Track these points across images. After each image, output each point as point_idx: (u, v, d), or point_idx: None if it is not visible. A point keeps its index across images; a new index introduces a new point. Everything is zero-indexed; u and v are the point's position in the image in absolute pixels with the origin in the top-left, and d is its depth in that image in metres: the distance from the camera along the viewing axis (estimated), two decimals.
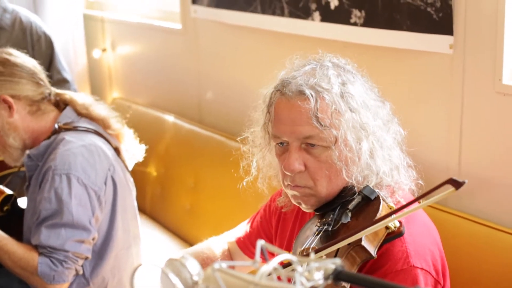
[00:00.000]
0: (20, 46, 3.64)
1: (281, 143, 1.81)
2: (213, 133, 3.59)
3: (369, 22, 2.65)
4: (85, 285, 2.65)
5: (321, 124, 1.72)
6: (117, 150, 2.76)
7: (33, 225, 2.54)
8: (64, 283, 2.52)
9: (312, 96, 1.72)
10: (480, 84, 2.32)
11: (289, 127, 1.77)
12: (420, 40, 2.47)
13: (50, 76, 3.70)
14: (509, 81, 2.24)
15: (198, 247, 2.27)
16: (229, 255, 2.29)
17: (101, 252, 2.66)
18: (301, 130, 1.74)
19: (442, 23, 2.37)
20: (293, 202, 1.87)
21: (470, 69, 2.34)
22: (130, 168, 2.89)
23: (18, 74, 2.62)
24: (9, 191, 2.86)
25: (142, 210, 3.66)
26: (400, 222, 1.66)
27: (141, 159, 2.92)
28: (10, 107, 2.59)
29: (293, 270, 1.01)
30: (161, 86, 4.30)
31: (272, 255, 1.86)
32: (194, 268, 1.07)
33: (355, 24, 2.70)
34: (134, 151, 2.88)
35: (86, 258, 2.58)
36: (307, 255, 1.62)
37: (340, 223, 1.70)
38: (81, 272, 2.59)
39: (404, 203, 1.75)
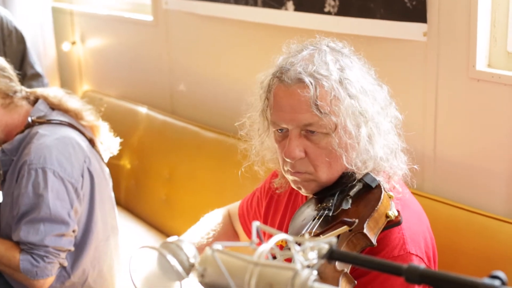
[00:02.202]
0: None
1: (280, 129, 1.82)
2: (186, 123, 3.60)
3: (343, 10, 2.67)
4: (66, 278, 2.65)
5: (320, 112, 1.73)
6: (91, 142, 2.75)
7: (12, 222, 2.53)
8: (48, 277, 2.52)
9: (311, 84, 1.72)
10: (454, 70, 2.36)
11: (289, 114, 1.77)
12: (394, 28, 2.50)
13: (23, 72, 3.69)
14: (482, 67, 2.28)
15: (203, 224, 2.28)
16: (231, 225, 2.32)
17: (81, 244, 2.66)
18: (301, 117, 1.75)
19: (415, 11, 2.41)
20: (293, 186, 1.89)
21: (444, 56, 2.38)
22: (106, 160, 2.88)
23: None
24: None
25: (117, 202, 3.64)
26: (398, 211, 1.69)
27: (116, 152, 2.91)
28: None
29: (289, 249, 1.03)
30: (133, 78, 4.29)
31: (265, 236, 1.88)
32: (190, 251, 1.09)
33: (329, 13, 2.73)
34: (109, 143, 2.87)
35: (69, 251, 2.58)
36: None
37: (340, 208, 1.72)
38: (65, 264, 2.59)
39: (399, 188, 1.81)
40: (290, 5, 2.92)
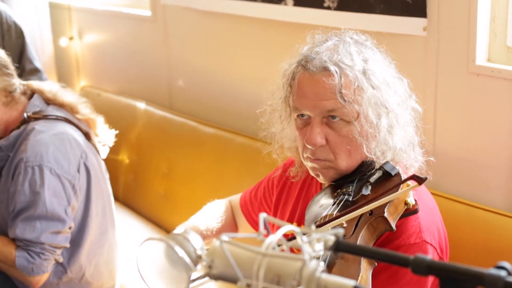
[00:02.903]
0: None
1: (302, 115, 1.85)
2: (185, 119, 3.60)
3: (343, 5, 2.68)
4: (63, 273, 2.65)
5: (344, 100, 1.76)
6: (87, 135, 2.75)
7: (9, 218, 2.53)
8: (44, 274, 2.53)
9: (336, 72, 1.76)
10: (454, 65, 2.37)
11: (313, 101, 1.80)
12: (393, 23, 2.51)
13: (22, 66, 3.68)
14: (482, 62, 2.29)
15: (204, 215, 2.28)
16: (232, 216, 2.33)
17: (77, 240, 2.66)
18: (325, 104, 1.78)
19: (415, 6, 2.41)
20: (311, 173, 1.91)
21: (444, 51, 2.39)
22: (104, 156, 2.88)
23: None
24: None
25: (115, 197, 3.64)
26: (415, 200, 1.71)
27: (111, 144, 2.90)
28: None
29: (295, 239, 1.04)
30: (131, 74, 4.29)
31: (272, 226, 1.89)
32: (197, 242, 1.09)
33: (328, 8, 2.73)
34: (104, 136, 2.87)
35: (64, 247, 2.58)
36: (330, 221, 1.66)
37: (360, 194, 1.75)
38: (60, 261, 2.59)
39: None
40: (289, 0, 2.92)
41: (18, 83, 2.67)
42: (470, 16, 2.27)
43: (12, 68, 2.67)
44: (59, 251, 2.55)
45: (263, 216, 1.06)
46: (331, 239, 1.07)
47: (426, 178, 1.61)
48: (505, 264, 0.98)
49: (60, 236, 2.53)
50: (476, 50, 2.28)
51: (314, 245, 1.05)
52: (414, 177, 1.63)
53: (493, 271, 0.96)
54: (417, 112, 1.92)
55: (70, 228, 2.57)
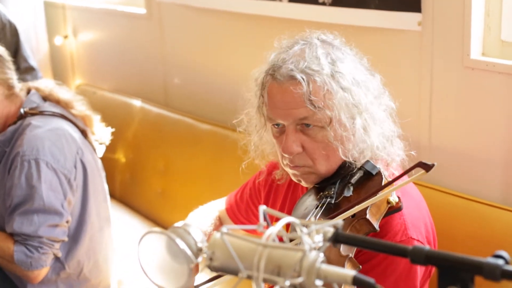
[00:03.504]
0: None
1: (277, 124, 1.84)
2: (181, 116, 3.61)
3: (338, 1, 2.69)
4: (61, 268, 2.66)
5: (314, 106, 1.75)
6: (84, 133, 2.76)
7: (6, 213, 2.54)
8: (43, 268, 2.53)
9: (303, 80, 1.74)
10: (449, 59, 2.38)
11: (284, 110, 1.79)
12: (388, 18, 2.52)
13: (17, 65, 3.68)
14: (477, 56, 2.31)
15: (192, 219, 2.28)
16: (220, 224, 2.32)
17: (75, 235, 2.67)
18: (296, 112, 1.77)
19: (410, 1, 2.43)
20: (294, 179, 1.91)
21: (439, 45, 2.40)
22: (100, 155, 2.89)
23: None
24: None
25: (112, 195, 3.65)
26: (398, 197, 1.70)
27: (107, 142, 2.92)
28: None
29: (295, 231, 1.05)
30: (127, 71, 4.30)
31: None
32: (197, 235, 1.10)
33: (323, 3, 2.74)
34: (100, 134, 2.88)
35: (63, 241, 2.59)
36: None
37: (342, 196, 1.74)
38: (59, 255, 2.60)
39: (397, 174, 1.80)
40: None
41: (16, 79, 2.68)
42: (465, 10, 2.28)
43: (12, 64, 2.69)
44: (57, 245, 2.56)
45: (262, 208, 1.07)
46: (330, 230, 1.08)
47: (433, 165, 1.57)
48: (503, 253, 0.99)
49: (58, 229, 2.53)
50: (470, 44, 2.29)
51: (314, 237, 1.06)
52: (420, 165, 1.60)
53: (491, 260, 0.98)
54: (392, 108, 1.90)
55: (67, 222, 2.58)
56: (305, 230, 1.02)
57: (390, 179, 1.76)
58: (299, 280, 0.99)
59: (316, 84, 1.75)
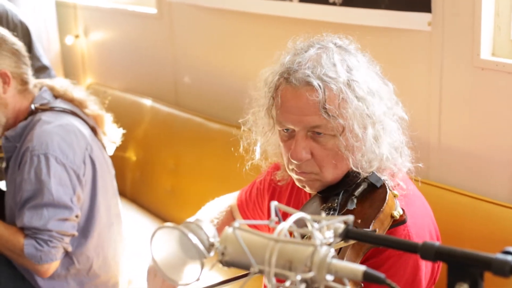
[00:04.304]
0: None
1: (286, 129, 1.81)
2: (191, 115, 3.63)
3: (348, 1, 2.70)
4: (71, 264, 2.68)
5: (329, 115, 1.72)
6: (94, 130, 2.78)
7: (16, 208, 2.56)
8: (53, 262, 2.55)
9: (320, 87, 1.71)
10: (458, 59, 2.39)
11: (296, 116, 1.76)
12: (398, 18, 2.53)
13: (30, 65, 3.71)
14: (487, 56, 2.31)
15: (204, 213, 2.29)
16: (232, 218, 2.33)
17: (84, 231, 2.69)
18: (309, 119, 1.74)
19: (420, 1, 2.43)
20: (298, 184, 1.88)
21: (449, 45, 2.41)
22: (111, 153, 2.91)
23: (16, 53, 2.64)
24: None
25: (122, 193, 3.68)
26: (403, 209, 1.70)
27: (119, 141, 2.94)
28: (5, 82, 2.60)
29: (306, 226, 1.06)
30: (137, 71, 4.32)
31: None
32: (210, 230, 1.12)
33: (333, 3, 2.75)
34: (112, 133, 2.90)
35: (73, 235, 2.61)
36: None
37: (345, 209, 1.72)
38: (69, 249, 2.61)
39: (403, 185, 1.81)
40: None
41: (31, 74, 2.71)
42: (475, 10, 2.28)
43: (28, 62, 2.71)
44: (67, 239, 2.58)
45: (274, 204, 1.08)
46: (341, 226, 1.09)
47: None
48: None
49: (68, 223, 2.55)
50: (480, 44, 2.29)
51: (324, 233, 1.07)
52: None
53: (500, 256, 0.99)
54: (403, 119, 1.88)
55: (77, 216, 2.60)
56: (316, 225, 1.03)
57: (395, 192, 1.75)
58: (310, 274, 1.00)
59: (332, 92, 1.72)
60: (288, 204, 2.07)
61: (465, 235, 2.28)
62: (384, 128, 1.80)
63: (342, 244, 1.58)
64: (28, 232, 2.52)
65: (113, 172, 2.90)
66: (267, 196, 2.17)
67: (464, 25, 2.34)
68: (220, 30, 3.57)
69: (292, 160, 1.79)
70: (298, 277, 1.00)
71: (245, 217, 2.29)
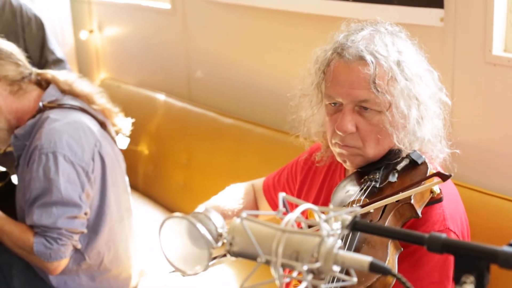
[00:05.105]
0: (11, 29, 3.65)
1: (334, 103, 1.87)
2: (204, 110, 3.64)
3: None
4: (82, 259, 2.69)
5: (377, 90, 1.78)
6: (103, 125, 2.79)
7: (25, 205, 2.57)
8: (62, 259, 2.56)
9: (372, 62, 1.78)
10: (470, 55, 2.38)
11: (346, 89, 1.82)
12: (411, 13, 2.53)
13: (45, 58, 3.73)
14: (499, 52, 2.31)
15: (221, 199, 2.30)
16: (254, 198, 2.36)
17: (94, 226, 2.70)
18: (358, 93, 1.80)
19: None
20: (338, 159, 1.93)
21: (461, 41, 2.40)
22: (124, 147, 2.92)
23: None
24: (2, 168, 2.89)
25: (134, 187, 3.70)
26: (440, 189, 1.74)
27: (128, 132, 2.94)
28: None
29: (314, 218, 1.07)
30: (151, 66, 4.33)
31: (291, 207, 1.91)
32: (218, 221, 1.13)
33: None
34: (121, 125, 2.90)
35: (82, 233, 2.62)
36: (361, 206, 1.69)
37: (387, 181, 1.78)
38: (78, 246, 2.63)
39: (441, 170, 1.83)
40: None
41: (27, 72, 2.69)
42: (487, 6, 2.28)
43: (20, 58, 2.70)
44: (76, 237, 2.59)
45: (282, 195, 1.09)
46: (348, 218, 1.10)
47: (450, 176, 1.65)
48: None
49: (77, 221, 2.56)
50: (493, 40, 2.29)
51: (332, 224, 1.08)
52: (438, 174, 1.67)
53: (506, 248, 0.99)
54: (446, 105, 1.94)
55: (86, 214, 2.60)
56: (323, 216, 1.04)
57: (434, 171, 1.78)
58: (317, 265, 1.01)
59: (382, 69, 1.79)
60: (322, 186, 2.10)
61: (476, 230, 2.27)
62: (427, 111, 1.86)
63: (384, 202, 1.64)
64: (38, 230, 2.53)
65: (124, 166, 2.91)
66: (300, 177, 2.20)
67: (476, 21, 2.33)
68: (234, 25, 3.58)
69: (338, 132, 1.85)
70: (305, 268, 1.00)
71: (271, 202, 2.32)
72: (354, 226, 1.10)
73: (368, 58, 1.79)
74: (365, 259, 1.01)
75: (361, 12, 2.69)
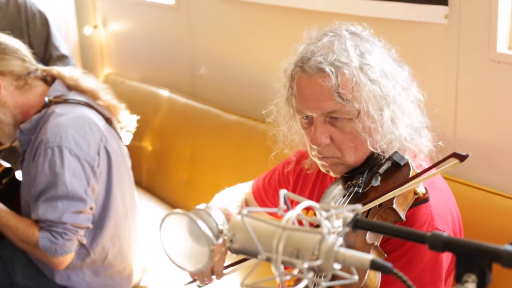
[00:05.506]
0: (15, 24, 3.65)
1: (305, 116, 1.86)
2: (208, 106, 3.64)
3: None
4: (86, 254, 2.69)
5: (343, 99, 1.76)
6: (109, 121, 2.79)
7: (31, 200, 2.57)
8: (67, 254, 2.57)
9: (332, 72, 1.76)
10: (475, 52, 2.38)
11: (312, 103, 1.81)
12: (415, 10, 2.52)
13: (49, 54, 3.73)
14: (503, 49, 2.30)
15: (218, 200, 2.30)
16: (246, 206, 2.34)
17: (99, 221, 2.70)
18: (325, 105, 1.79)
19: None
20: (322, 170, 1.93)
21: (465, 38, 2.39)
22: (127, 142, 2.92)
23: (1, 50, 2.63)
24: (7, 164, 2.89)
25: (138, 183, 3.69)
26: (426, 188, 1.72)
27: (133, 129, 2.94)
28: None
29: (315, 215, 1.06)
30: (155, 62, 4.33)
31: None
32: (219, 218, 1.12)
33: None
34: (126, 121, 2.90)
35: (87, 228, 2.62)
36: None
37: (369, 185, 1.77)
38: (84, 242, 2.63)
39: (425, 166, 1.83)
40: None
41: (33, 68, 2.70)
42: (491, 3, 2.27)
43: (26, 54, 2.70)
44: (81, 232, 2.59)
45: (283, 192, 1.09)
46: (350, 215, 1.09)
47: (467, 155, 1.60)
48: None
49: (82, 216, 2.56)
50: (497, 37, 2.28)
51: (333, 222, 1.07)
52: (454, 155, 1.62)
53: (508, 247, 0.98)
54: (420, 99, 1.91)
55: (91, 209, 2.61)
56: (324, 214, 1.04)
57: (418, 171, 1.77)
58: (318, 262, 1.00)
59: (345, 77, 1.77)
60: (313, 190, 2.10)
61: (479, 229, 2.27)
62: (401, 109, 1.83)
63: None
64: (43, 224, 2.53)
65: (129, 162, 2.91)
66: (292, 182, 2.20)
67: (480, 18, 2.32)
68: (238, 22, 3.57)
69: (313, 146, 1.85)
70: (305, 265, 1.00)
71: (262, 204, 2.31)
72: (356, 224, 1.10)
73: (328, 69, 1.76)
74: (366, 257, 1.00)
75: (365, 9, 2.68)
